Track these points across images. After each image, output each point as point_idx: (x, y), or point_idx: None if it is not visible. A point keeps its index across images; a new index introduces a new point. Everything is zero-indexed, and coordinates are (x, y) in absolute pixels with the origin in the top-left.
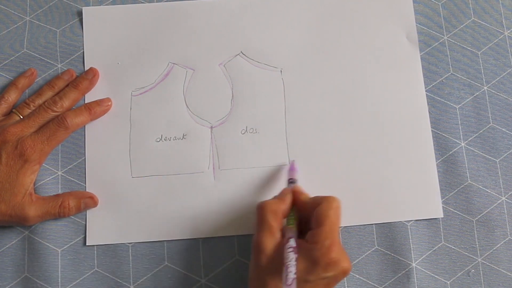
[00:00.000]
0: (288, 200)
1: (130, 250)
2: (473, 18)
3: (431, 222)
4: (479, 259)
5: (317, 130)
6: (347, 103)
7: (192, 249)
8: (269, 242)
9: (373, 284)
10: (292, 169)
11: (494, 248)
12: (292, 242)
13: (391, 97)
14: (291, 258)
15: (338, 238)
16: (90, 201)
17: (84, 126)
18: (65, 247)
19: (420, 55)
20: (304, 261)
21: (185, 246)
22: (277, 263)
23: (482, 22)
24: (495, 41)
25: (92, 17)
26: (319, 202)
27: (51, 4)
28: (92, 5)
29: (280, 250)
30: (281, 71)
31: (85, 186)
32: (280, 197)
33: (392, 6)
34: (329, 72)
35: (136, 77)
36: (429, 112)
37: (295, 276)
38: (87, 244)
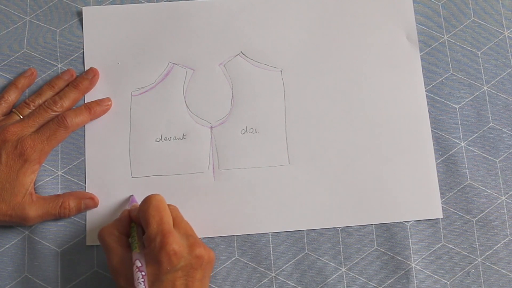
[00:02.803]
0: (123, 217)
1: None
2: (473, 18)
3: (431, 222)
4: (479, 259)
5: (317, 130)
6: (347, 103)
7: None
8: (116, 262)
9: (372, 284)
10: (132, 201)
11: (494, 248)
12: (137, 263)
13: (391, 97)
14: (138, 277)
15: (171, 229)
16: (90, 202)
17: (84, 126)
18: (65, 247)
19: (420, 55)
20: (151, 265)
21: None
22: (130, 277)
23: (482, 22)
24: (495, 41)
25: (92, 17)
26: (139, 207)
27: (51, 4)
28: (92, 5)
29: (128, 264)
30: (281, 71)
31: (85, 186)
32: (117, 218)
33: (392, 6)
34: (329, 72)
35: (136, 77)
36: (429, 112)
37: None
38: (87, 244)
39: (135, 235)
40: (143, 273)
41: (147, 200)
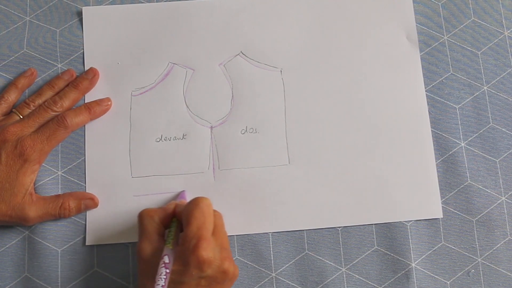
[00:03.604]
0: (168, 208)
1: (130, 250)
2: (473, 18)
3: (431, 222)
4: (479, 259)
5: (317, 130)
6: (347, 103)
7: None
8: (146, 248)
9: (372, 284)
10: (181, 197)
11: (494, 248)
12: (166, 259)
13: (391, 97)
14: (161, 272)
15: (208, 236)
16: (90, 202)
17: (84, 126)
18: (65, 247)
19: (420, 55)
20: (178, 264)
21: None
22: (156, 268)
23: (482, 22)
24: (495, 41)
25: (92, 17)
26: (186, 205)
27: (51, 4)
28: (92, 5)
29: (158, 255)
30: (281, 71)
31: (85, 186)
32: (162, 206)
33: (392, 6)
34: (329, 72)
35: (136, 77)
36: (429, 112)
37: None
38: (86, 244)
39: (173, 230)
40: (167, 271)
41: (195, 201)
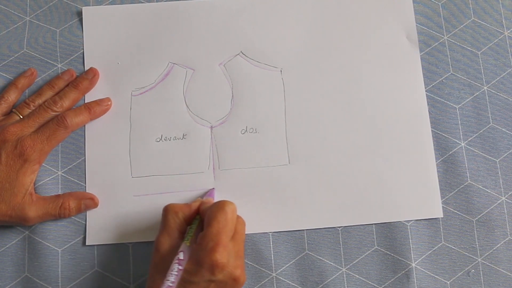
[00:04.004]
0: (194, 205)
1: (130, 250)
2: (473, 18)
3: (431, 222)
4: (479, 259)
5: (317, 130)
6: (347, 103)
7: None
8: (165, 242)
9: (372, 284)
10: (209, 195)
11: (494, 248)
12: (181, 255)
13: (391, 97)
14: (173, 268)
15: (226, 241)
16: (90, 202)
17: (84, 126)
18: (65, 247)
19: (420, 55)
20: (191, 263)
21: None
22: (168, 263)
23: (482, 22)
24: (495, 41)
25: (92, 17)
26: (211, 206)
27: (51, 4)
28: (92, 5)
29: (174, 252)
30: (281, 71)
31: (85, 186)
32: (188, 203)
33: (392, 6)
34: (329, 72)
35: (136, 77)
36: (429, 112)
37: (171, 284)
38: (87, 244)
39: (193, 228)
40: (180, 267)
41: (221, 204)
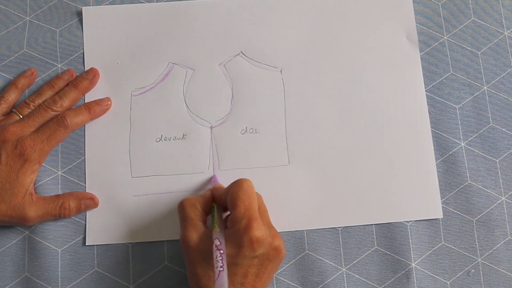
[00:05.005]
0: (206, 194)
1: (130, 250)
2: (473, 18)
3: (431, 222)
4: (479, 259)
5: (317, 130)
6: (347, 103)
7: None
8: (193, 235)
9: (372, 284)
10: (214, 182)
11: (494, 248)
12: (216, 242)
13: (391, 97)
14: (216, 255)
15: (257, 215)
16: (90, 202)
17: (84, 126)
18: (65, 247)
19: (420, 55)
20: (231, 246)
21: None
22: (205, 254)
23: (482, 22)
24: (495, 41)
25: (92, 17)
26: (229, 188)
27: (51, 4)
28: (92, 5)
29: (205, 241)
30: (281, 71)
31: (85, 186)
32: (201, 194)
33: (392, 6)
34: (329, 72)
35: (136, 77)
36: (429, 112)
37: (222, 269)
38: (87, 244)
39: (215, 214)
40: (221, 251)
41: (238, 183)
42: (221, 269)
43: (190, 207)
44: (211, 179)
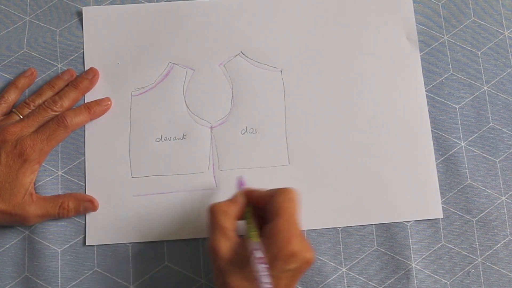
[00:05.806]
0: (239, 201)
1: (130, 250)
2: (473, 18)
3: (431, 222)
4: (479, 259)
5: (317, 130)
6: (347, 103)
7: (192, 249)
8: (224, 245)
9: (372, 284)
10: (241, 184)
11: (494, 248)
12: (258, 253)
13: (391, 97)
14: (260, 269)
15: (298, 229)
16: (89, 205)
17: (84, 126)
18: (65, 247)
19: (420, 55)
20: (265, 256)
21: (185, 246)
22: (239, 264)
23: (482, 22)
24: (495, 41)
25: (92, 17)
26: (274, 194)
27: (51, 4)
28: (92, 5)
29: (237, 251)
30: (281, 71)
31: (85, 186)
32: (231, 199)
33: (392, 6)
34: (329, 72)
35: (136, 77)
36: (429, 112)
37: (269, 286)
38: (87, 244)
39: (252, 222)
40: (266, 265)
41: (287, 192)
42: (270, 286)
43: (222, 214)
44: (239, 181)
